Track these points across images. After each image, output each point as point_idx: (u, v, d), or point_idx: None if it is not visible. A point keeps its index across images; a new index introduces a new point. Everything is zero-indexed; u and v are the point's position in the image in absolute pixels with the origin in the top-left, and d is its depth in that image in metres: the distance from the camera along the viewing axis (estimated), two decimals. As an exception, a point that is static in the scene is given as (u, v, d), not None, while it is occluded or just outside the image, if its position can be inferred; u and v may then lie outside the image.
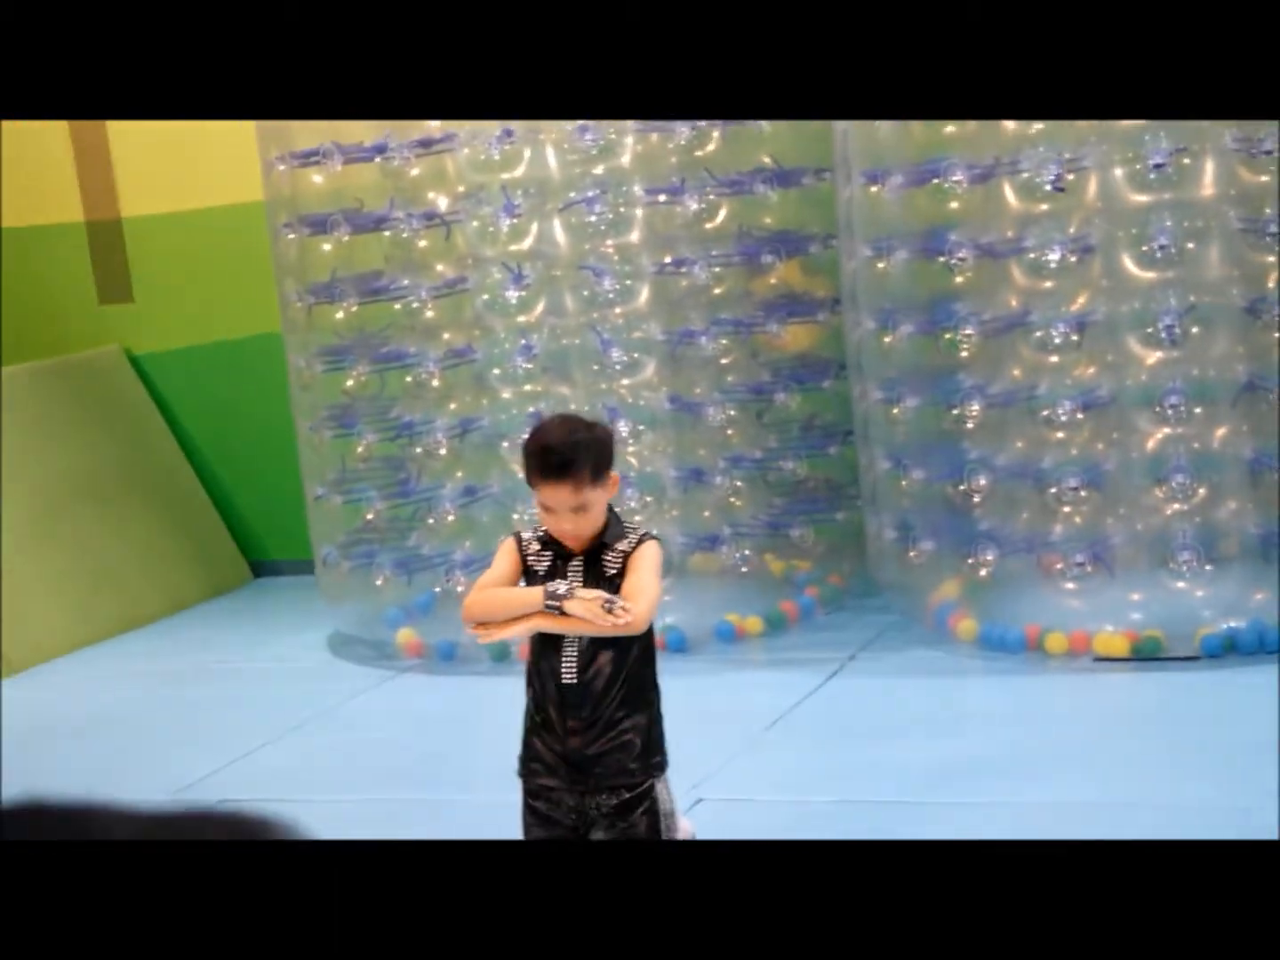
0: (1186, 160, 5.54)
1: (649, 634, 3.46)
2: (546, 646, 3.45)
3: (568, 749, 3.41)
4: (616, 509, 3.54)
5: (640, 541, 3.46)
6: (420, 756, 5.42)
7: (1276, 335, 5.61)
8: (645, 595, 3.39)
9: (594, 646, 3.41)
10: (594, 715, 3.39)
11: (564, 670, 3.41)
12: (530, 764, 3.48)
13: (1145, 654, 5.60)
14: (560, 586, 3.37)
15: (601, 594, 3.35)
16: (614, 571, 3.43)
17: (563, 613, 3.35)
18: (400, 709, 6.07)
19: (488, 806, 4.32)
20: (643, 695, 3.43)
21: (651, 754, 3.43)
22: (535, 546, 3.51)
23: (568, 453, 3.40)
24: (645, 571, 3.42)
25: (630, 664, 3.41)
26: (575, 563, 3.45)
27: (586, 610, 3.33)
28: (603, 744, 3.39)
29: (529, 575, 3.49)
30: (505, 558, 3.54)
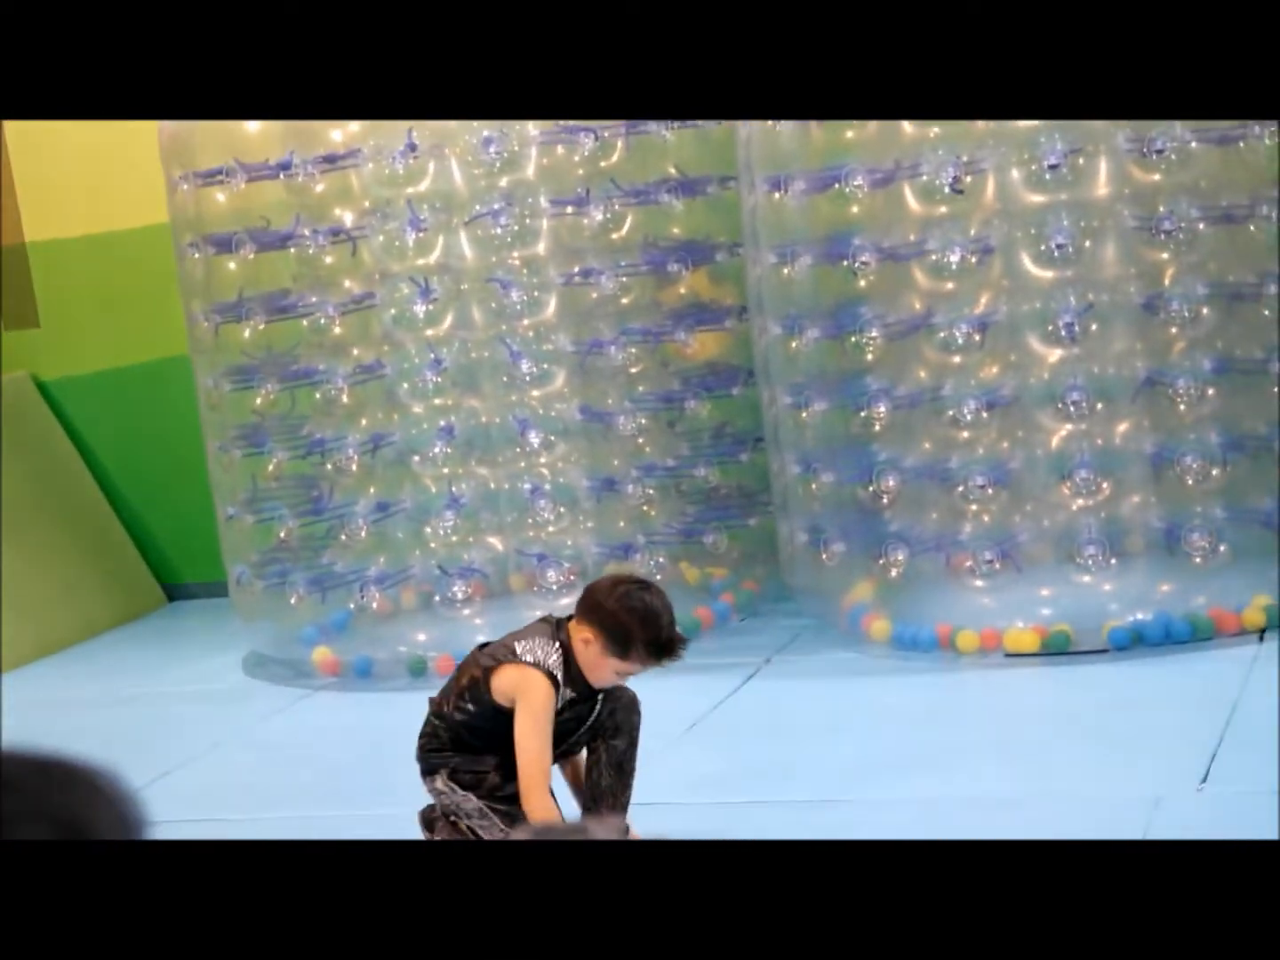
0: (1081, 161, 5.63)
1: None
2: None
3: None
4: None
5: None
6: (337, 772, 5.41)
7: (1173, 331, 5.71)
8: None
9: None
10: None
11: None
12: None
13: (1054, 649, 5.67)
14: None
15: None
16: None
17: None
18: (317, 726, 6.05)
19: (405, 819, 4.34)
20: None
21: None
22: (567, 693, 4.07)
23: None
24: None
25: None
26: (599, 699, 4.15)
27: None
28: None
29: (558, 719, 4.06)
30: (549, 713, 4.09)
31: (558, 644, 4.01)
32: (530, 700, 3.98)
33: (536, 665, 3.98)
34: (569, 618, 4.08)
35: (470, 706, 4.09)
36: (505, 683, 4.02)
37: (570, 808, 4.26)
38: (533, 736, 3.96)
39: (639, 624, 3.93)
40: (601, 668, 3.98)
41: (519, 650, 4.04)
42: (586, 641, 3.98)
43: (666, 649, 3.95)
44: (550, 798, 4.03)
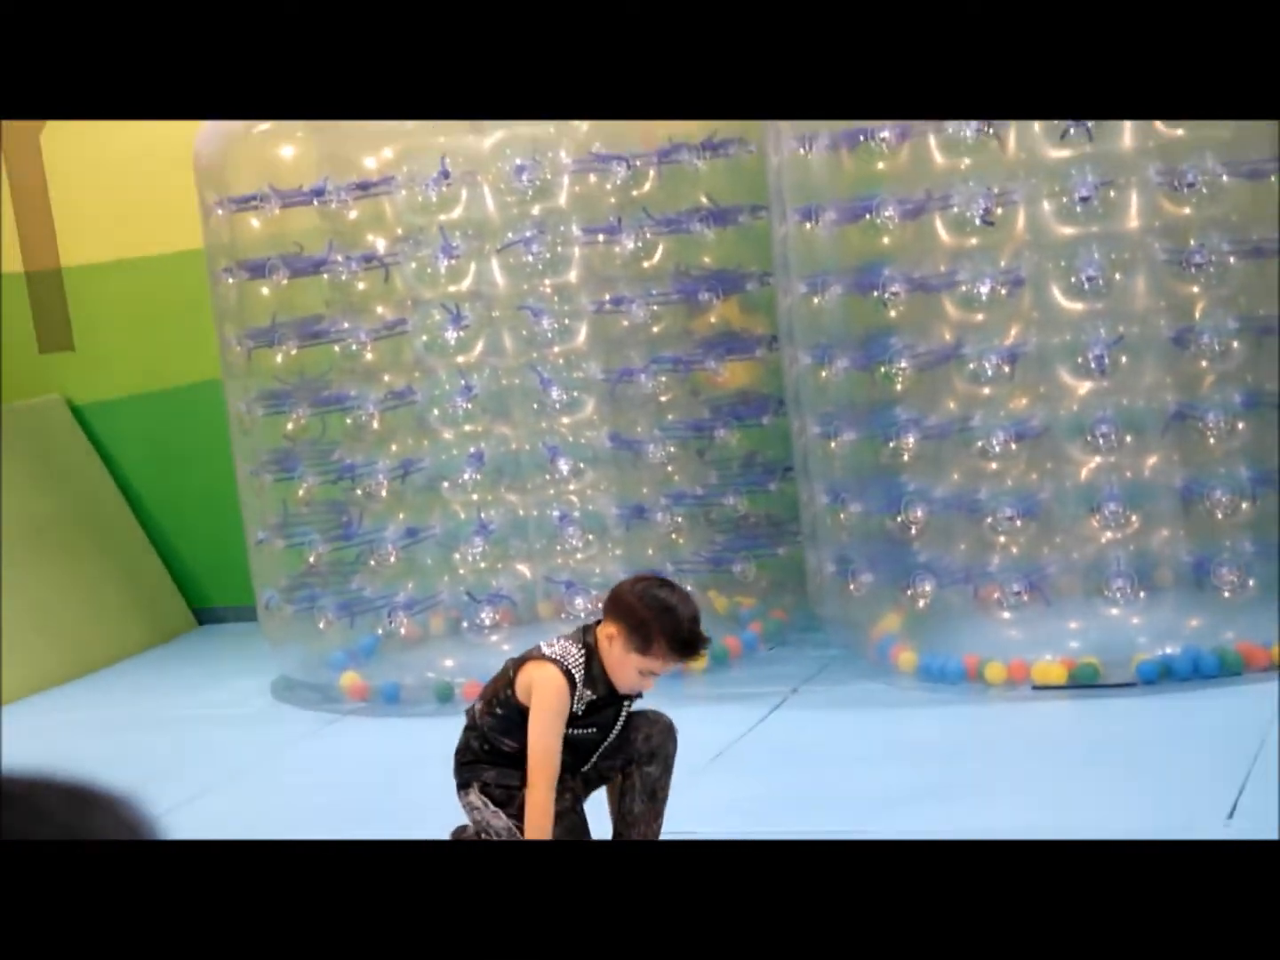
0: (1112, 193, 5.63)
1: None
2: None
3: None
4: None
5: None
6: (364, 796, 5.42)
7: (1203, 364, 5.70)
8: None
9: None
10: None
11: None
12: None
13: (1082, 681, 5.65)
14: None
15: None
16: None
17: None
18: (345, 751, 6.07)
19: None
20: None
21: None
22: (587, 694, 4.07)
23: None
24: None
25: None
26: (624, 707, 4.12)
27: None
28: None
29: (573, 719, 4.07)
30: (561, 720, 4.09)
31: (582, 645, 4.05)
32: (542, 693, 4.02)
33: (554, 660, 4.03)
34: (598, 622, 4.12)
35: (499, 710, 4.13)
36: (525, 678, 4.09)
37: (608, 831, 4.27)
38: (541, 731, 4.01)
39: (657, 617, 3.95)
40: (625, 665, 3.99)
41: (543, 649, 4.10)
42: (610, 638, 4.01)
43: (688, 643, 3.97)
44: (552, 796, 4.03)
